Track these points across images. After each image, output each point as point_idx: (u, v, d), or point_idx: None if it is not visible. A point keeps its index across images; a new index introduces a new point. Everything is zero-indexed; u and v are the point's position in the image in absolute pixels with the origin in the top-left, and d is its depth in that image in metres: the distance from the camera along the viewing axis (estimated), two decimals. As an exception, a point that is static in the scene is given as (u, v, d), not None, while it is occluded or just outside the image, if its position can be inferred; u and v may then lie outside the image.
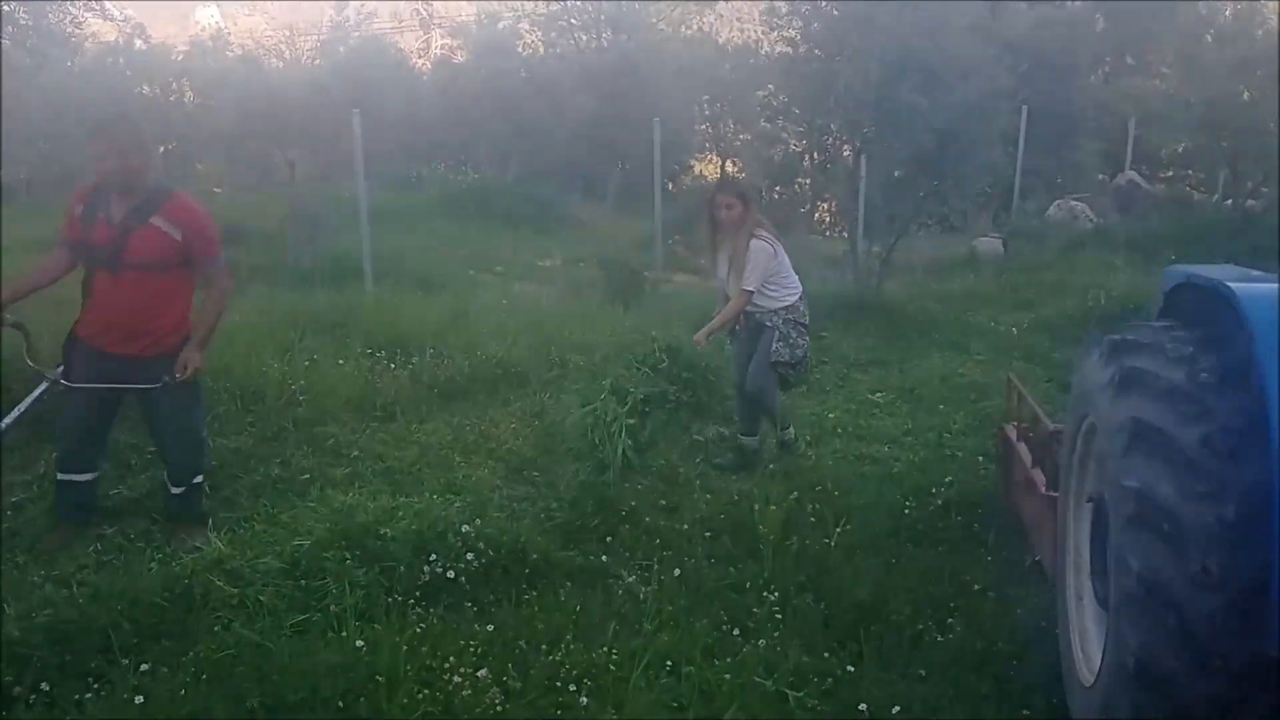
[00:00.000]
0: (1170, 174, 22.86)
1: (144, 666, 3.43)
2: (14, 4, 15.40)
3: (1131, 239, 13.88)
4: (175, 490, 4.67)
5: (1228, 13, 17.56)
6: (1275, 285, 3.01)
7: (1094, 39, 21.39)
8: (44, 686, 3.38)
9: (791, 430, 6.40)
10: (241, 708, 3.26)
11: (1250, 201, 16.40)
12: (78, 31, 16.63)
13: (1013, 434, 5.34)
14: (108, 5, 17.01)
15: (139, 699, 3.25)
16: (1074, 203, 17.26)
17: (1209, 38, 16.62)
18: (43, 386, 4.41)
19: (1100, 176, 21.34)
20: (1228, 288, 3.01)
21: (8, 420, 4.28)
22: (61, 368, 4.47)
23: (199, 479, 4.76)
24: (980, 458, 6.11)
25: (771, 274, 5.98)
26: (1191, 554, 2.69)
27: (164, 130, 14.28)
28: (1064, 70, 18.93)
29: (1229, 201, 16.96)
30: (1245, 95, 15.73)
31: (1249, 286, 3.02)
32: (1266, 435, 2.67)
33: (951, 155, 9.50)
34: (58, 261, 4.52)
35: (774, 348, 5.98)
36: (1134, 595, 2.78)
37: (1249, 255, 10.66)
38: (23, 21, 15.41)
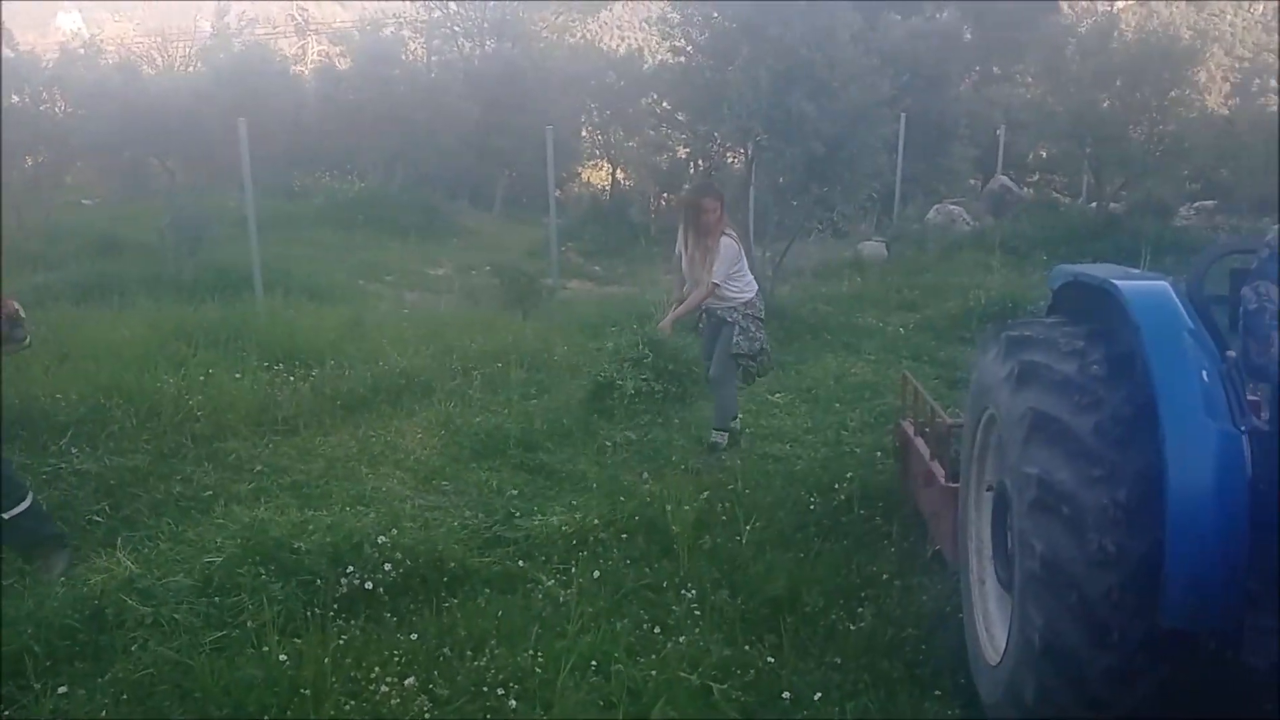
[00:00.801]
0: (1037, 178, 23.92)
1: (61, 689, 3.33)
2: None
3: (1005, 241, 14.52)
4: None
5: (1083, 28, 18.47)
6: (1156, 283, 3.25)
7: (963, 49, 22.21)
8: (-52, 718, 3.25)
9: (726, 438, 6.61)
10: (164, 728, 3.20)
11: (1112, 204, 17.32)
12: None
13: (910, 429, 5.57)
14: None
15: (55, 724, 3.16)
16: (951, 207, 17.94)
17: (1070, 49, 17.45)
18: None
19: (974, 181, 22.22)
20: (1114, 285, 3.23)
21: None
22: None
23: (23, 506, 4.39)
24: (878, 453, 6.33)
25: (734, 271, 6.41)
26: (1089, 535, 2.88)
27: (33, 141, 13.66)
28: (937, 80, 19.59)
29: (1093, 204, 17.88)
30: (1105, 103, 16.61)
31: (1133, 284, 3.24)
32: (1154, 421, 2.87)
33: (841, 161, 9.79)
34: None
35: (734, 340, 6.44)
36: (1037, 576, 2.96)
37: (1113, 255, 11.31)
38: None
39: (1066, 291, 3.79)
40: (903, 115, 16.11)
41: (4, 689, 3.40)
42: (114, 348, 6.77)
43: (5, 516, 4.29)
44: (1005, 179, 19.33)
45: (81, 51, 16.52)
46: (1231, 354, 3.02)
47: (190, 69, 20.30)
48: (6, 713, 3.29)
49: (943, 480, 4.65)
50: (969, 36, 23.19)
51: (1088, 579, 2.86)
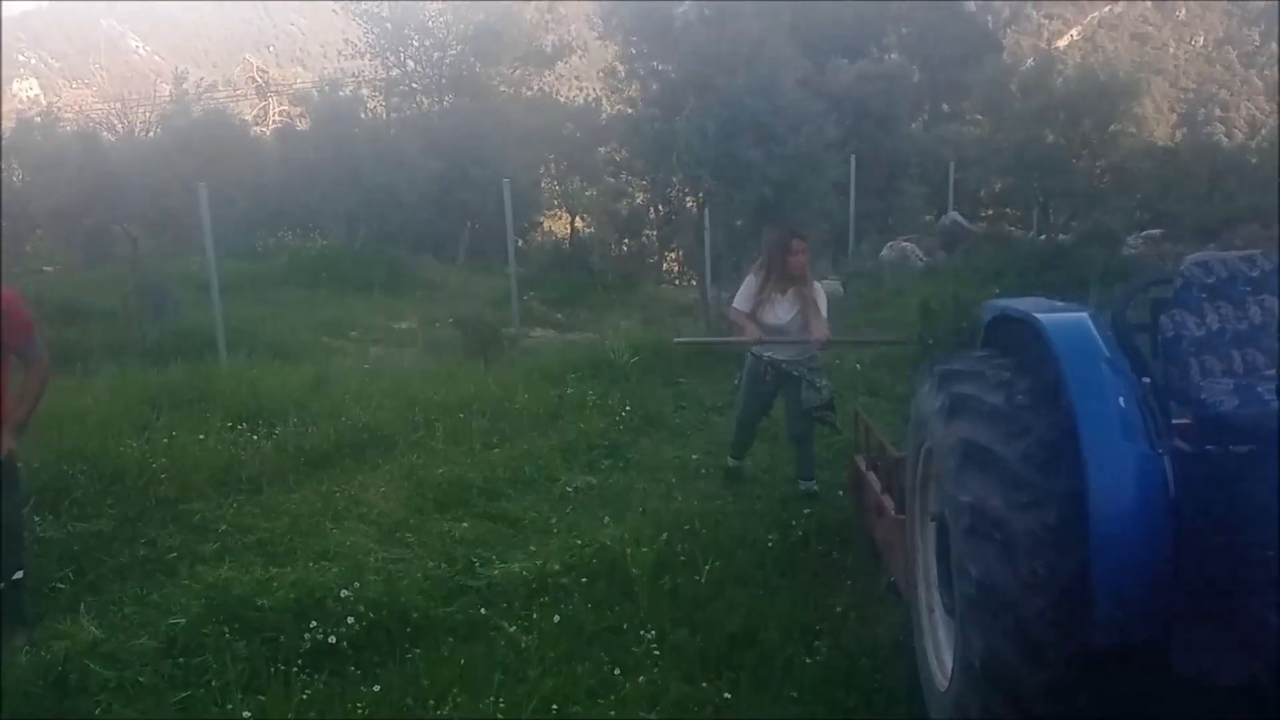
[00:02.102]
0: (990, 213, 24.41)
1: (23, 757, 3.36)
2: None
3: (958, 275, 14.80)
4: None
5: (1025, 66, 19.02)
6: (1076, 314, 3.42)
7: (911, 90, 22.79)
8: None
9: (815, 483, 6.63)
10: (129, 789, 3.24)
11: (1061, 236, 17.72)
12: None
13: (863, 464, 5.72)
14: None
15: (19, 791, 3.19)
16: (905, 244, 18.27)
17: (1013, 87, 17.96)
18: None
19: (927, 218, 22.66)
20: (1035, 318, 3.39)
21: None
22: None
23: (19, 575, 4.42)
24: (839, 491, 6.46)
25: None
26: (1021, 559, 3.01)
27: (-10, 209, 13.70)
28: (886, 120, 20.09)
29: (1043, 237, 18.28)
30: (1049, 138, 17.07)
31: (1054, 316, 3.41)
32: (1077, 447, 3.02)
33: (790, 204, 10.03)
34: None
35: (805, 396, 6.39)
36: (974, 600, 3.09)
37: (1063, 285, 11.57)
38: None
39: (996, 325, 3.96)
40: (853, 156, 16.49)
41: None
42: (77, 414, 6.78)
43: (14, 579, 4.31)
44: (956, 215, 19.72)
45: (39, 119, 16.60)
46: (1147, 380, 3.19)
47: (150, 134, 20.39)
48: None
49: (893, 512, 4.79)
50: (917, 78, 23.84)
51: (1021, 601, 2.99)
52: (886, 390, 9.37)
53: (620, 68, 11.24)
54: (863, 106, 19.19)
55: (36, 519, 5.46)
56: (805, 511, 6.05)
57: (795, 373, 6.47)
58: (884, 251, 18.04)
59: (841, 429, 6.83)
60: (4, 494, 4.38)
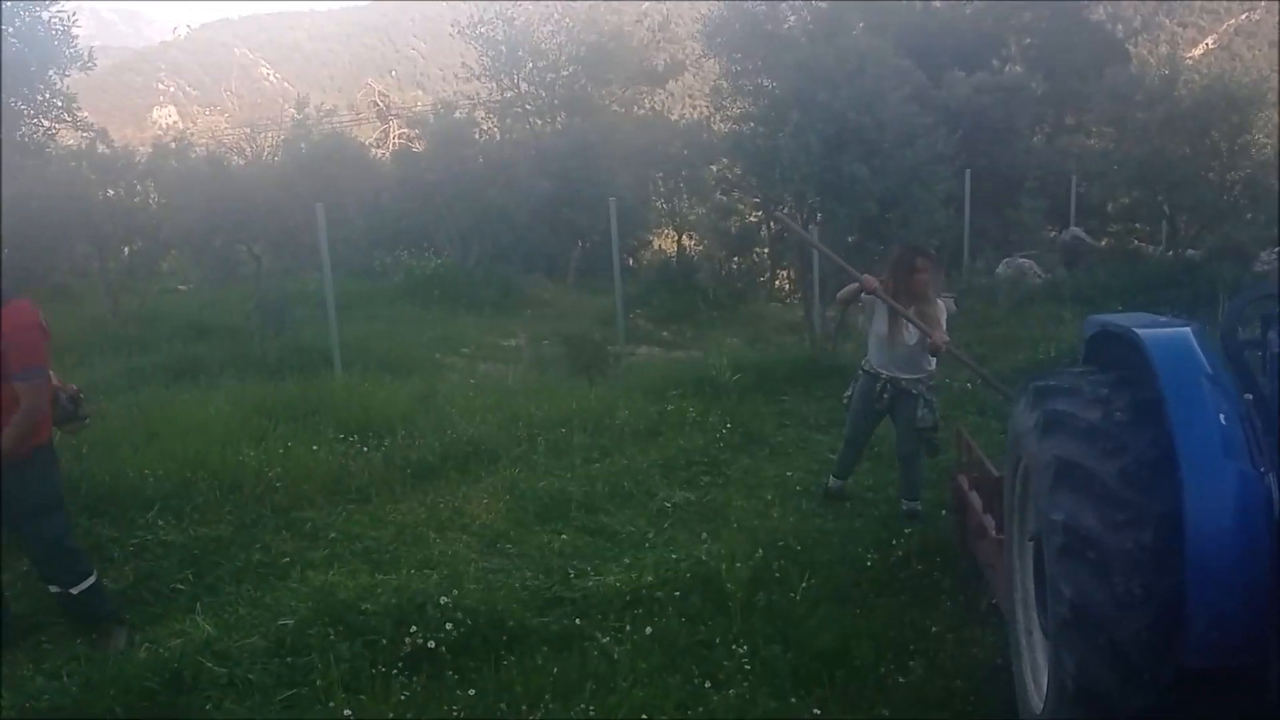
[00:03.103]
0: (1115, 228, 23.59)
1: (140, 747, 3.55)
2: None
3: (1079, 292, 14.36)
4: (55, 590, 4.51)
5: (1150, 78, 18.36)
6: (1178, 329, 3.32)
7: (1032, 101, 22.20)
8: (41, 775, 3.49)
9: (919, 505, 6.54)
10: (235, 781, 3.39)
11: (1190, 251, 17.02)
12: (51, 143, 16.94)
13: (965, 483, 5.61)
14: (80, 115, 17.29)
15: (136, 778, 3.37)
16: (1022, 260, 17.78)
17: (1138, 97, 17.34)
18: None
19: (1049, 234, 22.01)
20: (1135, 333, 3.30)
21: None
22: None
23: (87, 583, 4.53)
24: (941, 511, 6.35)
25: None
26: (1115, 578, 2.93)
27: (129, 232, 14.45)
28: (1005, 132, 19.63)
29: (1171, 252, 17.59)
30: (1177, 150, 16.43)
31: (1155, 332, 3.32)
32: (1176, 466, 2.93)
33: (896, 219, 9.90)
34: None
35: (919, 414, 6.36)
36: (1068, 620, 3.01)
37: (1189, 303, 11.14)
38: None
39: (1097, 341, 3.86)
40: (967, 170, 16.16)
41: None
42: (199, 425, 7.13)
43: (73, 592, 4.48)
44: (1078, 230, 19.13)
45: (173, 145, 17.45)
46: (1249, 397, 3.07)
47: (274, 158, 21.29)
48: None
49: (993, 533, 4.70)
50: (1039, 89, 23.22)
51: (1116, 621, 2.91)
52: (995, 409, 9.15)
53: (725, 84, 11.27)
54: (980, 119, 18.79)
55: (160, 523, 5.77)
56: (906, 531, 5.97)
57: (914, 390, 6.40)
58: (1000, 268, 17.60)
59: (941, 450, 6.70)
60: (38, 516, 4.41)
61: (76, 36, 17.07)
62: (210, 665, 4.04)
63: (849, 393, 6.90)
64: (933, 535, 5.89)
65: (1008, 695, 3.83)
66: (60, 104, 17.00)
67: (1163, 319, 3.69)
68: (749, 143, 11.07)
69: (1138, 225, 23.29)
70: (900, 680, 4.16)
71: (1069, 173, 20.31)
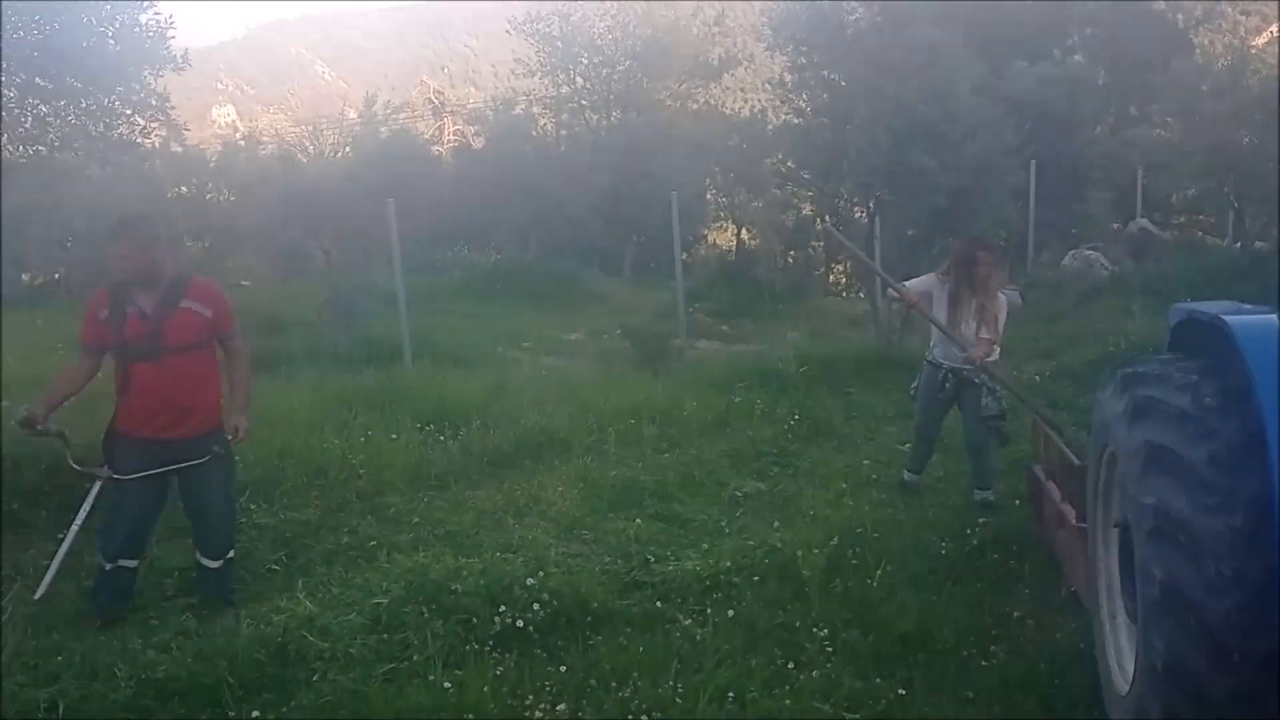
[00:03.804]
0: (1182, 219, 23.21)
1: (254, 714, 3.72)
2: (84, 120, 16.36)
3: (1146, 284, 14.17)
4: (211, 564, 4.80)
5: (1217, 66, 18.04)
6: (1265, 316, 3.35)
7: (1096, 92, 21.91)
8: (158, 741, 3.68)
9: (992, 492, 6.56)
10: (344, 749, 3.56)
11: (1258, 243, 16.71)
12: (145, 141, 17.46)
13: (1041, 473, 5.64)
14: (172, 113, 17.80)
15: (252, 744, 3.55)
16: (1088, 252, 17.57)
17: (1204, 88, 17.05)
18: (97, 486, 4.62)
19: (1115, 226, 21.71)
20: (1223, 320, 3.34)
21: (75, 526, 4.54)
22: (104, 464, 4.63)
23: (232, 553, 4.90)
24: (1016, 501, 6.38)
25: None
26: (1206, 561, 2.98)
27: (200, 227, 14.88)
28: (1069, 124, 19.42)
29: (1239, 244, 17.28)
30: (1244, 141, 16.14)
31: (1242, 318, 3.35)
32: (1265, 450, 2.97)
33: (964, 212, 9.88)
34: (82, 366, 4.67)
35: (985, 403, 6.39)
36: (1158, 602, 3.06)
37: (1256, 295, 10.96)
38: (94, 133, 16.33)
39: (1183, 329, 3.89)
40: (1032, 162, 16.02)
41: (204, 716, 3.81)
42: (283, 414, 7.35)
43: (218, 565, 4.79)
44: (1145, 222, 18.85)
45: (242, 143, 17.95)
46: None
47: (339, 155, 21.70)
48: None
49: (1073, 521, 4.74)
50: (1102, 80, 22.91)
51: (1207, 603, 2.96)
52: (1067, 402, 9.11)
53: (789, 78, 11.31)
54: (1044, 110, 18.59)
55: (252, 507, 5.99)
56: (980, 520, 6.01)
57: (977, 379, 6.41)
58: (1066, 260, 17.41)
59: (1011, 440, 6.70)
60: (229, 478, 4.89)
61: (172, 37, 17.58)
62: (313, 640, 4.21)
63: (915, 385, 6.95)
64: (1007, 525, 5.93)
65: (1090, 678, 3.88)
66: (154, 103, 17.52)
67: (1247, 307, 3.72)
68: (816, 136, 11.09)
69: (1203, 217, 22.90)
70: (983, 663, 4.22)
71: (1134, 164, 20.02)
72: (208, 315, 4.67)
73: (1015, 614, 4.67)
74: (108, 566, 4.70)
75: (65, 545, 4.55)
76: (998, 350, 6.49)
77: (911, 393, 7.00)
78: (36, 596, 4.44)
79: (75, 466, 4.64)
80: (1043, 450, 5.86)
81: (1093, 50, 24.26)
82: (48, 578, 4.48)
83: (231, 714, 3.80)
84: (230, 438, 4.73)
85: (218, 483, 4.81)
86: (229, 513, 4.94)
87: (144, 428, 4.62)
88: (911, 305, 6.44)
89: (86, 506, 4.63)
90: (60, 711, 3.70)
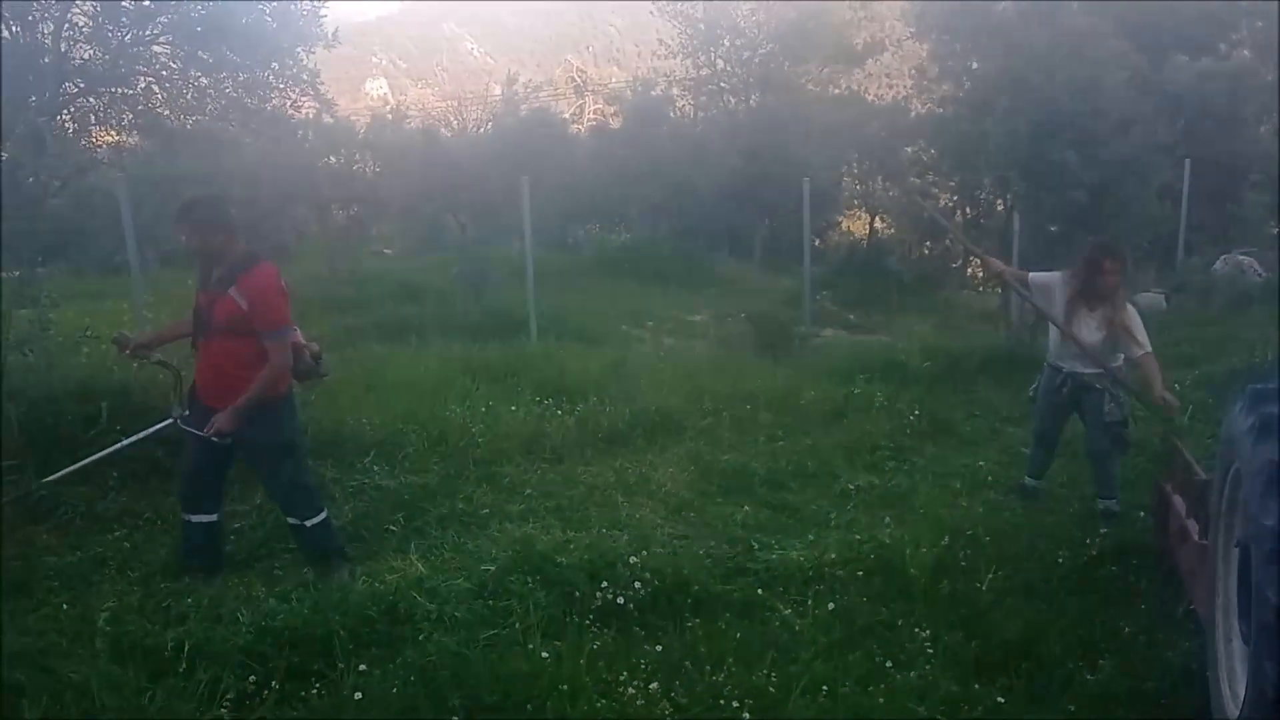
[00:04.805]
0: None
1: (361, 668, 3.90)
2: (240, 92, 17.24)
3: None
4: (293, 521, 4.95)
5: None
6: None
7: (1261, 90, 20.69)
8: (274, 685, 3.88)
9: (1116, 502, 6.33)
10: (444, 707, 3.69)
11: None
12: (296, 114, 18.28)
13: (1168, 486, 5.42)
14: (322, 89, 18.56)
15: (358, 695, 3.72)
16: (1241, 257, 16.69)
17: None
18: (164, 423, 4.91)
19: (1274, 229, 20.52)
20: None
21: (124, 444, 4.96)
22: (187, 413, 4.85)
23: (319, 518, 4.94)
24: (1140, 512, 6.14)
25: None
26: (1326, 588, 2.84)
27: (347, 197, 15.46)
28: (1230, 122, 18.40)
29: None
30: None
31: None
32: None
33: (1106, 210, 9.51)
34: (184, 320, 4.96)
35: (1106, 409, 6.16)
36: (1271, 627, 2.94)
37: None
38: (250, 106, 17.22)
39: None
40: (1187, 161, 15.29)
41: (316, 665, 4.02)
42: (410, 381, 7.63)
43: (308, 524, 4.93)
44: (1306, 227, 17.78)
45: (389, 116, 18.53)
46: None
47: (480, 131, 22.20)
48: (318, 685, 3.89)
49: (1196, 537, 4.55)
50: (1270, 76, 21.62)
51: (1323, 632, 2.83)
52: (1206, 412, 8.71)
53: (932, 66, 11.01)
54: (1203, 107, 17.69)
55: (375, 468, 6.25)
56: (1101, 531, 5.81)
57: (1098, 385, 6.17)
58: (1217, 264, 16.57)
59: (1135, 448, 6.43)
60: (281, 462, 4.88)
61: (324, 16, 18.32)
62: (422, 601, 4.38)
63: (1035, 386, 6.73)
64: (1130, 537, 5.72)
65: (1200, 700, 3.74)
66: (305, 78, 18.28)
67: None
68: (954, 126, 10.82)
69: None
70: (1088, 677, 4.10)
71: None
72: (243, 307, 4.60)
73: (1127, 629, 4.51)
74: (183, 518, 4.95)
75: (97, 456, 4.98)
76: (1121, 356, 6.24)
77: (1031, 394, 6.78)
78: (35, 486, 5.03)
79: (172, 398, 4.94)
80: (1171, 462, 5.63)
81: (1259, 44, 22.87)
82: (61, 473, 4.96)
83: (340, 665, 3.98)
84: (207, 431, 4.66)
85: (264, 464, 4.92)
86: (288, 486, 4.92)
87: (199, 392, 4.84)
88: (996, 275, 6.21)
89: (141, 435, 4.96)
90: (185, 651, 3.94)
